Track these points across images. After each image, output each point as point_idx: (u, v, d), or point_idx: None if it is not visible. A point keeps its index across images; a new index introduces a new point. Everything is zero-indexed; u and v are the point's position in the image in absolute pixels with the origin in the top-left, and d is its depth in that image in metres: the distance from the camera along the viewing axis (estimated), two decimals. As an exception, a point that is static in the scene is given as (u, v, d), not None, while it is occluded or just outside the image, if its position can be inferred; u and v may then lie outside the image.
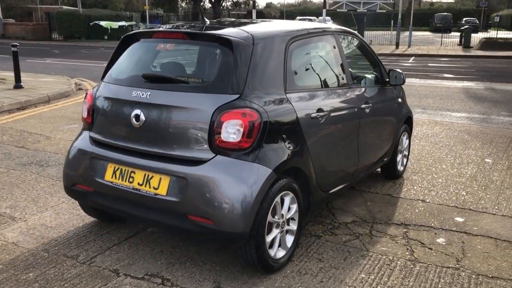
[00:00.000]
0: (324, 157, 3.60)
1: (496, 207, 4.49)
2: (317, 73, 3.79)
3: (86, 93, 3.60)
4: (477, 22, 42.53)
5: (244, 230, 2.88)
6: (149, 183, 3.07)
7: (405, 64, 18.68)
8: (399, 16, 26.82)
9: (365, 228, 3.98)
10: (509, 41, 25.10)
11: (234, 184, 2.87)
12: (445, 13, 45.73)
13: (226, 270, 3.24)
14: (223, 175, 2.89)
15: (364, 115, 4.16)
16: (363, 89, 4.29)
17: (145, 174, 3.11)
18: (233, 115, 2.90)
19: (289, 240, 3.31)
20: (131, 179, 3.16)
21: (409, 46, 26.13)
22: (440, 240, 3.78)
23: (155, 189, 3.04)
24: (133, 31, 3.56)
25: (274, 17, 50.94)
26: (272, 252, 3.13)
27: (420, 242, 3.73)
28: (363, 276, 3.19)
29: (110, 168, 3.27)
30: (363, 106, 4.13)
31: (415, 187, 5.01)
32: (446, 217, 4.25)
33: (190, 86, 3.18)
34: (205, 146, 2.95)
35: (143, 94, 3.13)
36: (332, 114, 3.64)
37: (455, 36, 31.32)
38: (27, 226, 3.88)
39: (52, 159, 5.80)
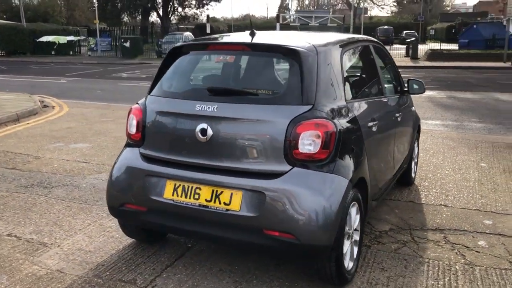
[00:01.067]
0: (375, 166, 3.63)
1: (515, 209, 4.69)
2: (364, 82, 3.83)
3: (131, 108, 3.44)
4: (417, 34, 44.71)
5: (328, 243, 2.83)
6: (219, 199, 2.96)
7: (363, 75, 19.27)
8: (351, 30, 27.80)
9: (406, 236, 4.03)
10: (452, 53, 26.65)
11: (315, 196, 2.83)
12: (387, 26, 47.76)
13: (296, 285, 3.17)
14: (303, 188, 2.84)
15: (397, 124, 4.24)
16: (394, 98, 4.38)
17: (213, 190, 2.99)
18: (309, 126, 2.86)
19: (355, 251, 3.29)
20: (196, 196, 3.03)
21: (361, 58, 27.01)
22: (482, 243, 3.89)
23: (226, 204, 2.94)
24: (183, 43, 3.44)
25: (223, 31, 51.16)
26: (346, 264, 3.10)
27: (465, 246, 3.82)
28: (432, 282, 3.23)
29: (169, 185, 3.12)
30: (397, 114, 4.22)
31: (431, 193, 5.15)
32: (474, 220, 4.38)
33: (260, 98, 3.12)
34: (281, 158, 2.89)
35: (209, 108, 3.02)
36: (380, 123, 3.68)
37: (399, 48, 32.71)
38: (63, 252, 3.62)
39: (53, 180, 5.46)
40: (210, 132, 3.00)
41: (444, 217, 4.46)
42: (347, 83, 3.39)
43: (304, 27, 28.86)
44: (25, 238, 3.86)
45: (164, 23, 42.35)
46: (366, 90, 3.80)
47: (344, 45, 3.52)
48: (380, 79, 4.06)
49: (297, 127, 2.86)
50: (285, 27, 29.65)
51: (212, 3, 44.90)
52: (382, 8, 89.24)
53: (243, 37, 3.43)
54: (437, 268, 3.43)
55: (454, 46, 31.86)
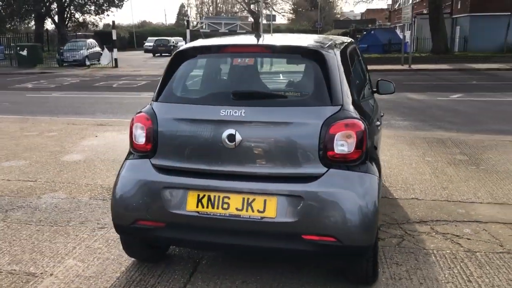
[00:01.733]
0: None
1: (476, 197, 5.07)
2: (361, 83, 3.91)
3: (135, 117, 3.17)
4: (316, 40, 46.93)
5: (370, 243, 2.84)
6: (251, 207, 2.84)
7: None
8: (261, 36, 28.50)
9: (398, 230, 4.17)
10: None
11: (355, 196, 2.82)
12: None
13: (328, 287, 3.14)
14: (342, 189, 2.82)
15: (380, 123, 4.40)
16: (373, 98, 4.53)
17: (243, 198, 2.86)
18: (342, 127, 2.86)
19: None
20: (225, 205, 2.88)
21: (271, 63, 27.76)
22: (467, 230, 4.16)
23: (260, 212, 2.83)
24: (193, 45, 3.24)
25: (124, 38, 49.54)
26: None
27: (455, 235, 4.05)
28: (448, 271, 3.38)
29: (192, 197, 2.93)
30: (381, 114, 4.37)
31: (398, 188, 5.39)
32: (449, 210, 4.67)
33: (288, 100, 3.05)
34: (316, 160, 2.85)
35: (236, 112, 2.89)
36: (378, 123, 3.78)
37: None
38: (61, 281, 3.23)
39: (3, 203, 4.87)
40: (238, 137, 2.86)
41: (421, 209, 4.70)
42: (355, 84, 3.43)
43: (214, 33, 28.99)
44: (6, 270, 3.39)
45: (61, 30, 39.86)
46: (365, 90, 3.89)
47: (345, 47, 3.57)
48: (367, 79, 4.18)
49: (331, 128, 2.84)
50: (195, 33, 29.49)
51: (113, 9, 43.17)
52: (283, 16, 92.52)
53: (253, 39, 3.33)
54: (444, 258, 3.59)
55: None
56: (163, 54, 41.47)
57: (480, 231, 4.14)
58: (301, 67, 3.18)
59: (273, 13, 37.14)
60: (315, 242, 2.80)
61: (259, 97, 3.05)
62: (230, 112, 2.90)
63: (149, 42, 45.89)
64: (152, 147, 3.09)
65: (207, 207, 2.90)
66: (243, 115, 2.89)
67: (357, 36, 39.16)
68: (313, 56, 3.06)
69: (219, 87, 3.28)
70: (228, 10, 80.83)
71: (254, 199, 2.85)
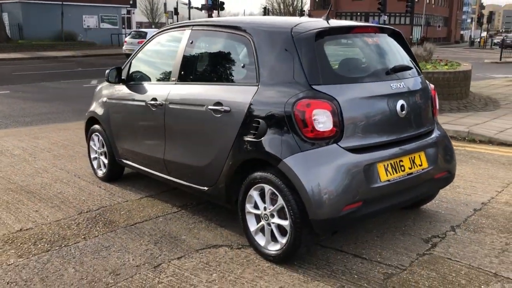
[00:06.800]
0: None
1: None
2: None
3: (308, 104, 3.18)
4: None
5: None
6: (415, 163, 3.56)
7: None
8: None
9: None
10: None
11: (448, 138, 4.04)
12: None
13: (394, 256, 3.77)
14: (445, 136, 4.00)
15: None
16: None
17: (409, 158, 3.54)
18: (432, 89, 4.03)
19: None
20: (402, 168, 3.47)
21: None
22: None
23: (420, 165, 3.60)
24: (328, 26, 3.46)
25: None
26: None
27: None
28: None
29: (381, 169, 3.35)
30: None
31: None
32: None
33: (414, 71, 3.85)
34: (431, 118, 3.91)
35: (400, 85, 3.54)
36: None
37: None
38: None
39: None
40: (406, 106, 3.52)
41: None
42: None
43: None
44: None
45: None
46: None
47: None
48: None
49: (432, 91, 3.98)
50: None
51: None
52: None
53: (338, 21, 3.84)
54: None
55: None
56: None
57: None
58: (395, 43, 3.89)
59: None
60: (440, 178, 3.82)
61: (404, 70, 3.71)
62: (397, 85, 3.52)
63: None
64: (337, 131, 3.19)
65: (392, 173, 3.41)
66: (404, 86, 3.57)
67: None
68: (397, 33, 3.95)
69: (374, 64, 3.74)
70: None
71: (414, 157, 3.58)
